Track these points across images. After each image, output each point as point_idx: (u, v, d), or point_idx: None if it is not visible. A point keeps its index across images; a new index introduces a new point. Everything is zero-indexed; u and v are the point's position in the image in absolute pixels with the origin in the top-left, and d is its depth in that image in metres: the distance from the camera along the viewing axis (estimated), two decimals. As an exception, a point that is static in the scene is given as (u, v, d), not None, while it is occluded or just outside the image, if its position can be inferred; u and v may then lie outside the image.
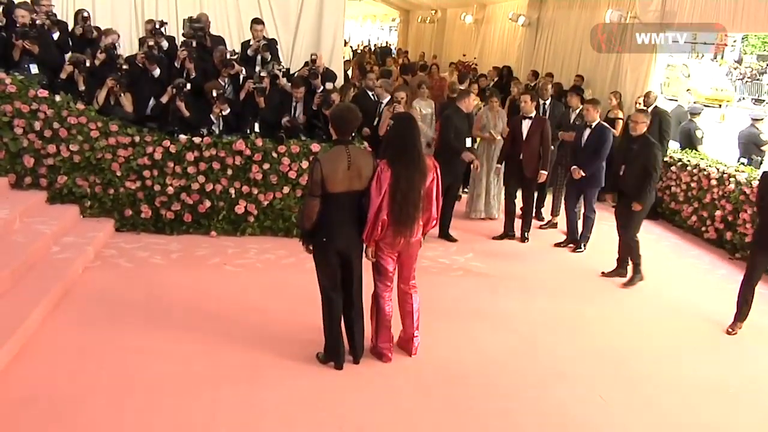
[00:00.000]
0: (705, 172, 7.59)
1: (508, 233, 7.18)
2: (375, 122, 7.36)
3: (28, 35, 6.24)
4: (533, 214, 7.50)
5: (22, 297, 4.53)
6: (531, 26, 12.74)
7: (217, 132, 6.54)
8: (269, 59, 7.50)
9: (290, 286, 5.39)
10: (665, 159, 8.04)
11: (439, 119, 7.42)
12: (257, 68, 7.45)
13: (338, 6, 9.25)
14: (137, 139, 6.24)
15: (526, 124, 6.95)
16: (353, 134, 4.22)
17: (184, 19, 7.81)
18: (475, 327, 4.97)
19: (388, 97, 7.44)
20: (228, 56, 7.12)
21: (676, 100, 17.88)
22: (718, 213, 7.31)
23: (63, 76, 6.45)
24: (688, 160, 8.01)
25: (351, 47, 22.45)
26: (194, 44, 7.14)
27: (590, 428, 3.86)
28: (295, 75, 7.63)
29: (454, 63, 15.00)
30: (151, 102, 6.77)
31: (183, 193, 6.31)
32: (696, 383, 4.44)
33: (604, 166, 6.69)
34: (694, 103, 17.58)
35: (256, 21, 7.85)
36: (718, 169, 7.47)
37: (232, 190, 6.37)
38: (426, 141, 7.51)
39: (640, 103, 8.71)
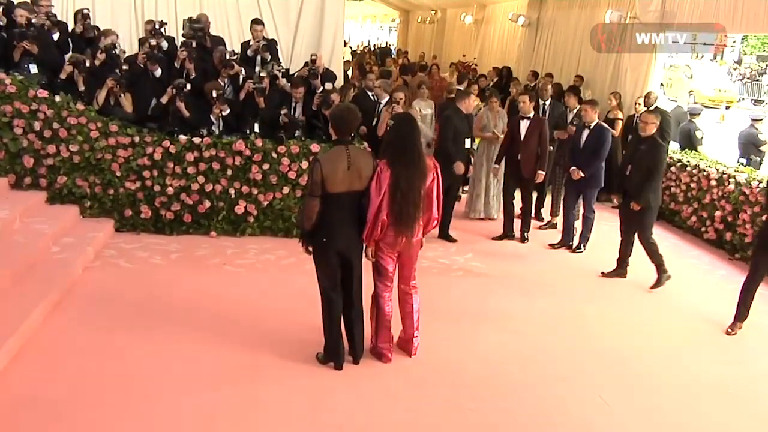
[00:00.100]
0: (705, 173, 7.60)
1: (507, 234, 7.18)
2: (374, 122, 7.36)
3: (26, 36, 6.25)
4: (533, 215, 7.51)
5: (22, 297, 4.53)
6: (531, 26, 12.74)
7: (216, 132, 6.55)
8: (269, 60, 7.50)
9: (290, 286, 5.39)
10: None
11: (439, 120, 7.43)
12: (257, 68, 7.46)
13: (338, 6, 9.26)
14: (137, 139, 6.24)
15: (524, 125, 6.96)
16: (353, 134, 4.22)
17: (183, 20, 7.82)
18: (475, 327, 4.97)
19: (387, 98, 7.44)
20: (228, 57, 7.12)
21: (676, 101, 17.88)
22: (717, 213, 7.31)
23: (63, 76, 6.45)
24: (688, 161, 8.02)
25: (351, 47, 22.46)
26: (194, 44, 7.15)
27: (590, 428, 3.86)
28: (295, 75, 7.64)
29: (455, 63, 15.00)
30: (153, 102, 6.77)
31: (183, 193, 6.31)
32: (696, 383, 4.45)
33: (604, 167, 6.70)
34: (695, 103, 17.56)
35: (256, 21, 7.86)
36: (717, 170, 7.47)
37: (231, 191, 6.37)
38: (426, 141, 7.51)
39: (640, 104, 8.73)
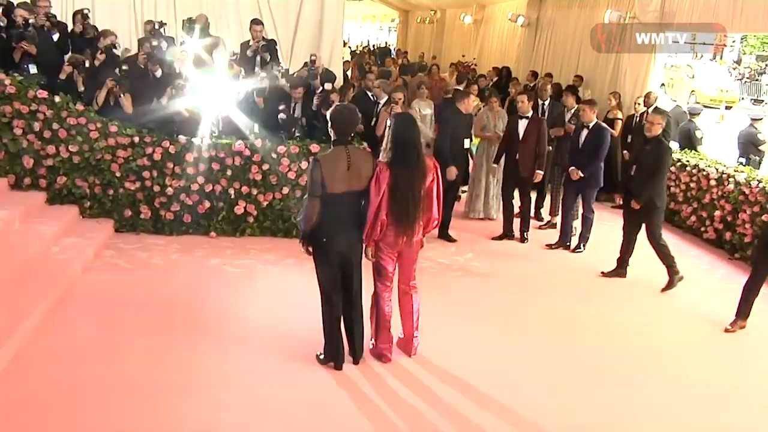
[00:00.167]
0: (704, 173, 7.59)
1: (507, 233, 7.18)
2: (372, 123, 7.35)
3: (24, 37, 6.25)
4: (532, 214, 7.51)
5: (22, 297, 4.53)
6: (530, 26, 12.75)
7: (216, 132, 6.54)
8: (268, 60, 7.51)
9: (290, 286, 5.39)
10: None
11: (438, 121, 7.43)
12: (256, 69, 7.46)
13: (338, 6, 9.27)
14: (136, 139, 6.23)
15: (522, 124, 6.96)
16: (353, 134, 4.22)
17: (183, 20, 7.83)
18: (475, 327, 4.97)
19: (386, 98, 7.44)
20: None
21: (675, 101, 17.87)
22: (717, 213, 7.31)
23: (62, 76, 6.45)
24: (688, 161, 8.01)
25: (350, 48, 22.46)
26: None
27: (591, 428, 3.86)
28: (295, 75, 7.64)
29: (454, 63, 15.01)
30: (154, 103, 6.76)
31: (182, 193, 6.30)
32: (696, 383, 4.44)
33: (602, 167, 6.69)
34: (695, 103, 17.56)
35: (256, 21, 7.87)
36: (717, 170, 7.46)
37: (231, 191, 6.37)
38: (425, 141, 7.51)
39: (639, 104, 8.73)
